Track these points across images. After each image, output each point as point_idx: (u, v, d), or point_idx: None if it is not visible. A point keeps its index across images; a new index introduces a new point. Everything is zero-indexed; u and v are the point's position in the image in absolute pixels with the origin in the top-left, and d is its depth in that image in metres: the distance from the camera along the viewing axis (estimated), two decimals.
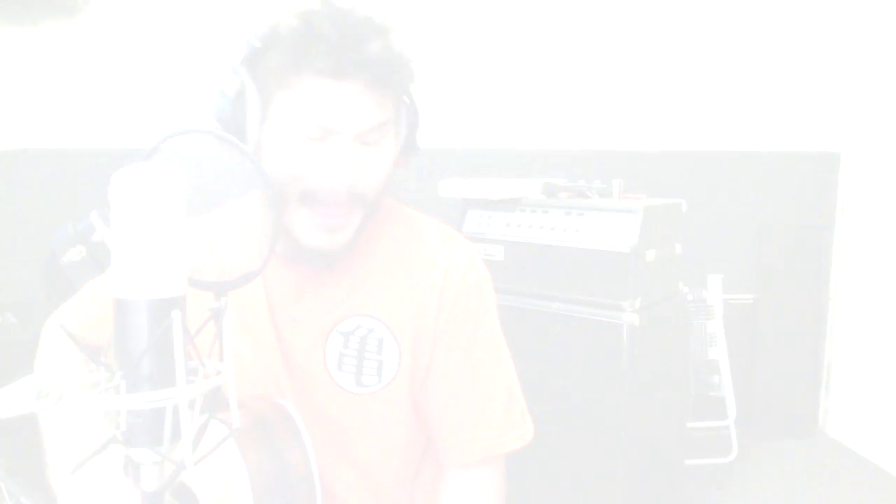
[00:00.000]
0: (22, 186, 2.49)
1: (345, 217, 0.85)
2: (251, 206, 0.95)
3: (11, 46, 2.49)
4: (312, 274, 0.93)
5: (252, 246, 0.69)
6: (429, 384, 0.94)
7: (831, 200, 2.94)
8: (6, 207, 2.48)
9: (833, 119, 2.89)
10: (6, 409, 0.56)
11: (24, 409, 0.56)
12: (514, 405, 0.97)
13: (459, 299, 0.93)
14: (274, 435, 0.88)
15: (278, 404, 0.91)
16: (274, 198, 0.65)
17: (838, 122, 2.88)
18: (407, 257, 0.94)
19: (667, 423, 2.07)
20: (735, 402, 2.63)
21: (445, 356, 0.93)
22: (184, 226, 0.53)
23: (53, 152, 2.52)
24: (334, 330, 0.92)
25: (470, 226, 2.11)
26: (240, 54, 0.83)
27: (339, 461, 0.96)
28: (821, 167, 2.92)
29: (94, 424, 0.87)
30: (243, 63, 0.82)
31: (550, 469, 1.90)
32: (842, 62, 2.82)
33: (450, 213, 2.14)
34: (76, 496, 0.85)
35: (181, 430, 0.53)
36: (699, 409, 2.61)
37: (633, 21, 2.78)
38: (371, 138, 0.84)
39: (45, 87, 2.52)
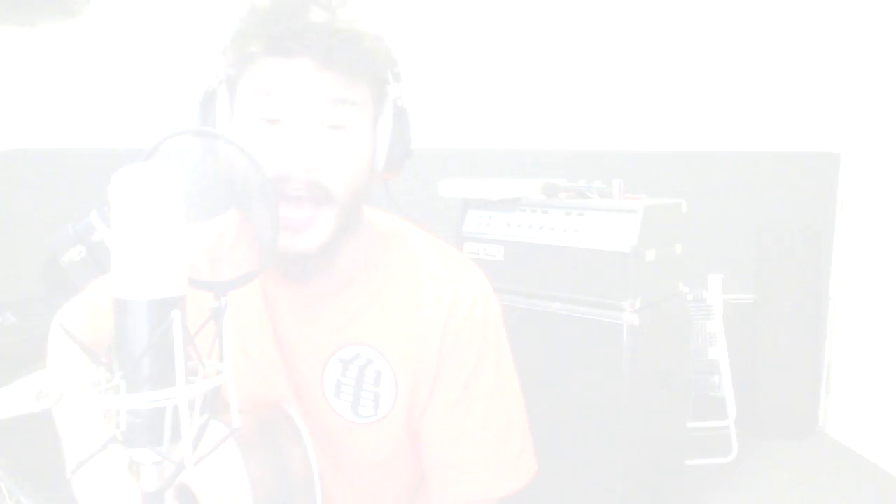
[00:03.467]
0: (22, 186, 2.49)
1: (309, 214, 0.79)
2: (250, 208, 0.94)
3: (11, 46, 2.49)
4: (315, 296, 0.90)
5: (252, 247, 0.69)
6: (424, 418, 0.91)
7: (831, 200, 2.94)
8: (6, 207, 2.48)
9: (833, 119, 2.88)
10: (6, 409, 0.56)
11: (24, 409, 0.57)
12: (507, 448, 0.92)
13: (462, 336, 0.88)
14: (276, 439, 0.87)
15: (281, 409, 0.91)
16: (273, 198, 0.65)
17: (838, 122, 2.88)
18: (413, 287, 0.90)
19: (667, 423, 2.06)
20: (735, 402, 2.62)
21: (443, 393, 0.90)
22: (184, 225, 0.54)
23: (53, 152, 2.52)
24: (333, 357, 0.90)
25: (470, 226, 2.11)
26: (216, 57, 0.82)
27: (338, 476, 0.96)
28: (821, 167, 2.92)
29: (101, 423, 0.87)
30: (216, 63, 0.82)
31: (550, 469, 1.90)
32: (842, 62, 2.82)
33: (450, 213, 2.14)
34: (85, 493, 0.85)
35: (181, 430, 0.53)
36: (699, 409, 2.61)
37: (632, 21, 2.77)
38: (333, 120, 0.78)
39: (45, 87, 2.52)
